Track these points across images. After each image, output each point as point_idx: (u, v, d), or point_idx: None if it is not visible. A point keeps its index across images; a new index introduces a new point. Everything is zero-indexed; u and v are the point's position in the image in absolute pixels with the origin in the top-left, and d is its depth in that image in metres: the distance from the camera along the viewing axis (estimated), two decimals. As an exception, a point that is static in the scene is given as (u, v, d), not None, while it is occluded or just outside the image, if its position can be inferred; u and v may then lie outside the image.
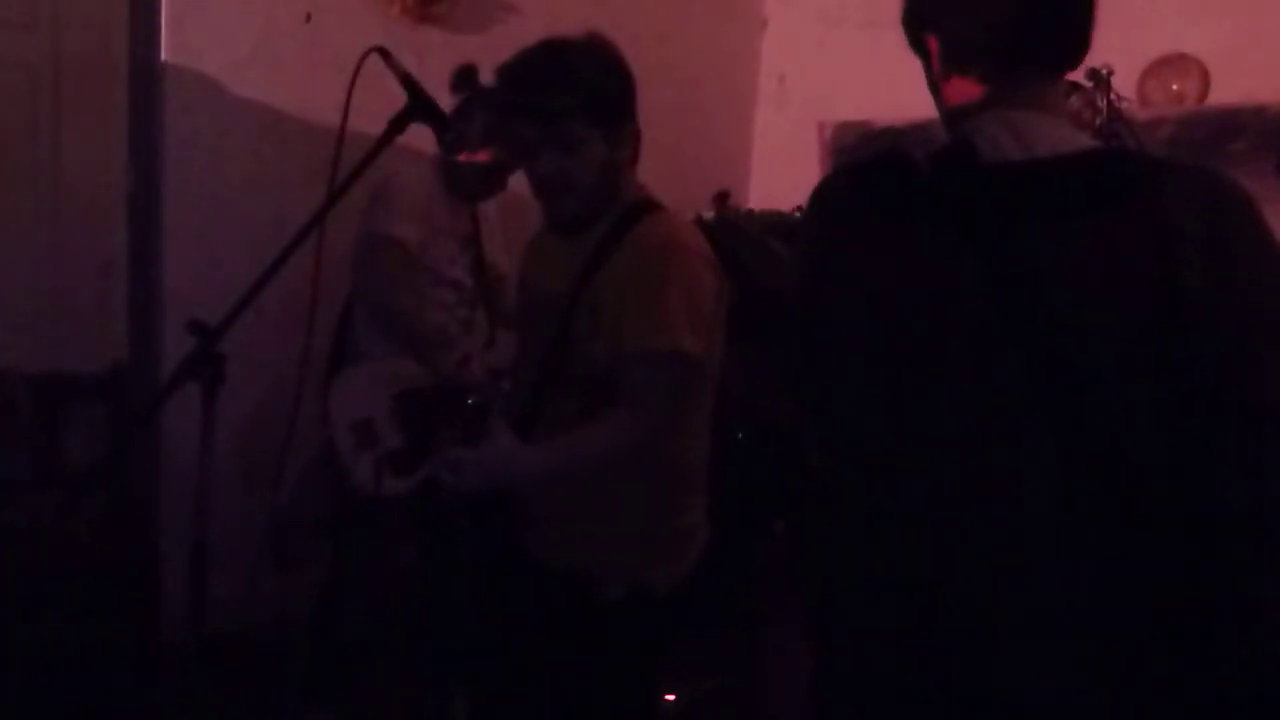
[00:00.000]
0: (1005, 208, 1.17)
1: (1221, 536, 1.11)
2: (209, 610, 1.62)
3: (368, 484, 2.41)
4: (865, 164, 1.37)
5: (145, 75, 3.00)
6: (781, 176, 3.80)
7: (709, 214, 3.38)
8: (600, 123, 1.68)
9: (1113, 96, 2.92)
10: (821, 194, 1.36)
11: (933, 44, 1.25)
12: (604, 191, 1.73)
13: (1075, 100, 2.71)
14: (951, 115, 1.26)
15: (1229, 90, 3.10)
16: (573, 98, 1.66)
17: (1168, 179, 1.13)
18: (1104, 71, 2.81)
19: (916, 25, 1.26)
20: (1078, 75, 2.54)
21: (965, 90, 1.23)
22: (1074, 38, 1.22)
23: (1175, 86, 3.21)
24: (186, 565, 1.61)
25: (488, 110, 2.51)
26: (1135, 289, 1.10)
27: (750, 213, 3.51)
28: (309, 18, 3.15)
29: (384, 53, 1.69)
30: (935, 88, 1.28)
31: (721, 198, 3.39)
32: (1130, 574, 1.14)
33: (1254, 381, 1.09)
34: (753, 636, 2.90)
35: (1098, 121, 2.81)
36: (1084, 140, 1.24)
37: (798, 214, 3.24)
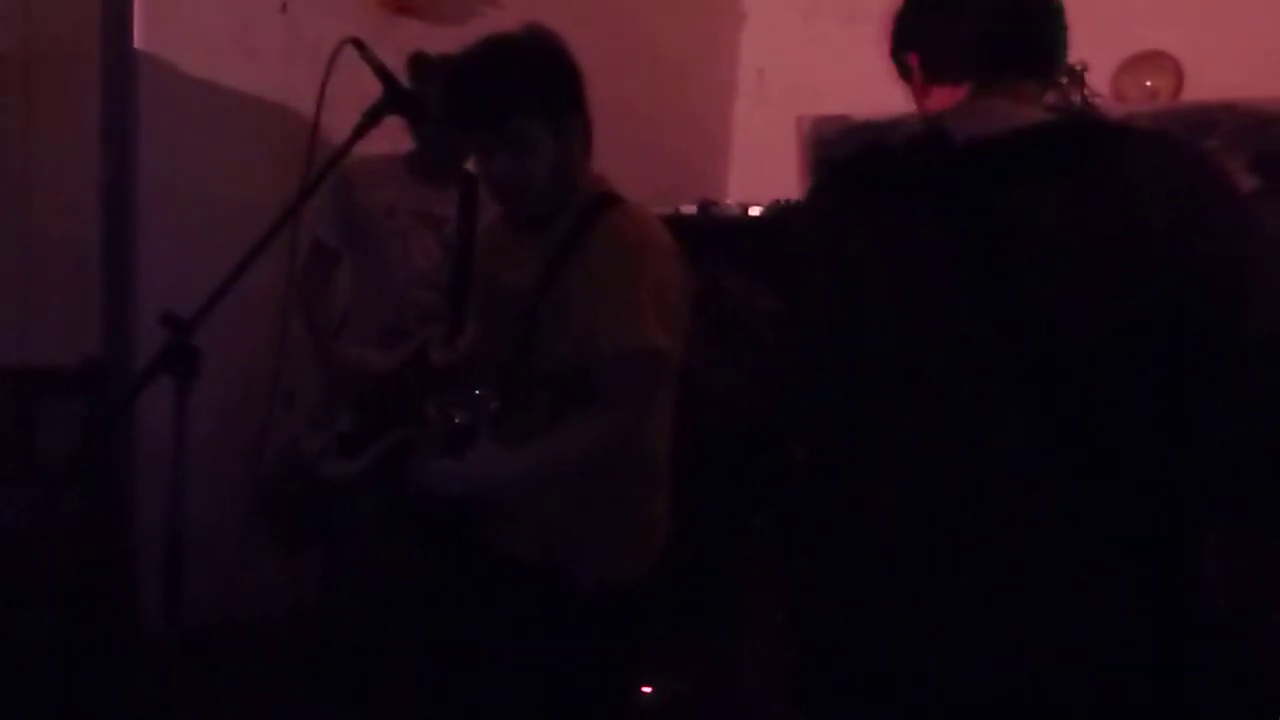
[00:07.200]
0: (975, 180, 1.24)
1: (1210, 479, 1.14)
2: (187, 605, 1.61)
3: (311, 461, 2.42)
4: (845, 161, 1.44)
5: (118, 64, 2.97)
6: (761, 170, 3.80)
7: (689, 208, 3.40)
8: (550, 119, 1.66)
9: (1087, 92, 2.94)
10: (808, 200, 1.42)
11: (914, 60, 1.36)
12: (561, 186, 1.71)
13: (1050, 96, 2.74)
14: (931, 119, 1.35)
15: (1203, 87, 3.13)
16: (519, 99, 1.64)
17: (1128, 141, 1.20)
18: (1078, 68, 2.84)
19: (900, 46, 1.38)
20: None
21: (945, 98, 1.33)
22: (1045, 45, 1.32)
23: (1149, 83, 3.23)
24: (163, 560, 1.60)
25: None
26: (1102, 244, 1.15)
27: (729, 210, 3.52)
28: (285, 7, 3.13)
29: (358, 44, 1.68)
30: (919, 99, 1.38)
31: (705, 205, 3.41)
32: (1117, 536, 1.16)
33: (1238, 314, 1.13)
34: (731, 632, 2.90)
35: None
36: (1051, 116, 1.29)
37: (778, 206, 3.26)
